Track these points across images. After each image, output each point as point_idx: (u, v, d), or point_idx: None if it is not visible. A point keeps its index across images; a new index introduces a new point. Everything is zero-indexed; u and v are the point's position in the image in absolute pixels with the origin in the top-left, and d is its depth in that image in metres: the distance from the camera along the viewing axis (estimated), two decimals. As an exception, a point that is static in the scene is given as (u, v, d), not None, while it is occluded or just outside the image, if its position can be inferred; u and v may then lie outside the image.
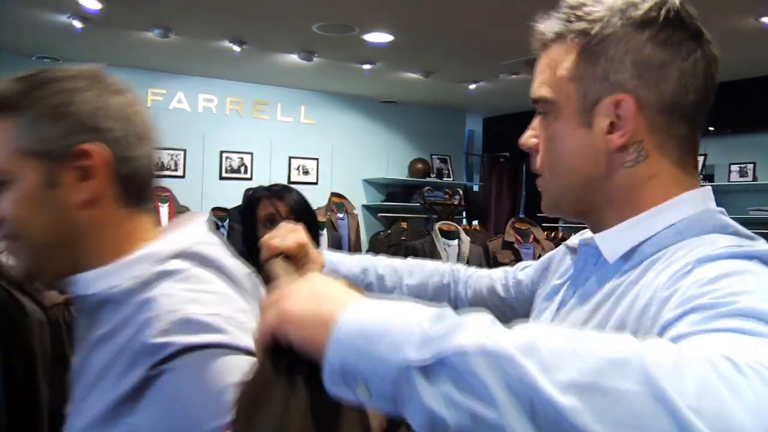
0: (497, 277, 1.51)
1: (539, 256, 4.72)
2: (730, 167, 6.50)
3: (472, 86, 7.00)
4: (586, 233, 1.13)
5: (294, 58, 6.03)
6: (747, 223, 5.23)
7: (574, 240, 1.17)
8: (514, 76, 6.57)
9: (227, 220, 6.12)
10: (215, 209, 6.31)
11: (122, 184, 1.01)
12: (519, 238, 6.15)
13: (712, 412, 0.55)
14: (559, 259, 1.29)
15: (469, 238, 5.28)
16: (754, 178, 6.34)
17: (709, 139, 6.82)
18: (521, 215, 7.98)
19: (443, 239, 5.24)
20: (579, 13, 1.01)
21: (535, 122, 1.08)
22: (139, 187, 1.04)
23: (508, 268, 1.52)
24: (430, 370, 0.61)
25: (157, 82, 6.74)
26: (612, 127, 0.98)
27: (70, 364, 1.86)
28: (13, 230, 0.98)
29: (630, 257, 0.99)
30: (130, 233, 1.02)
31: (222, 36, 5.49)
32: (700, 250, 0.87)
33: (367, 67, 6.27)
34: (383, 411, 0.66)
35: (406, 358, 0.62)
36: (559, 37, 1.02)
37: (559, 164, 1.05)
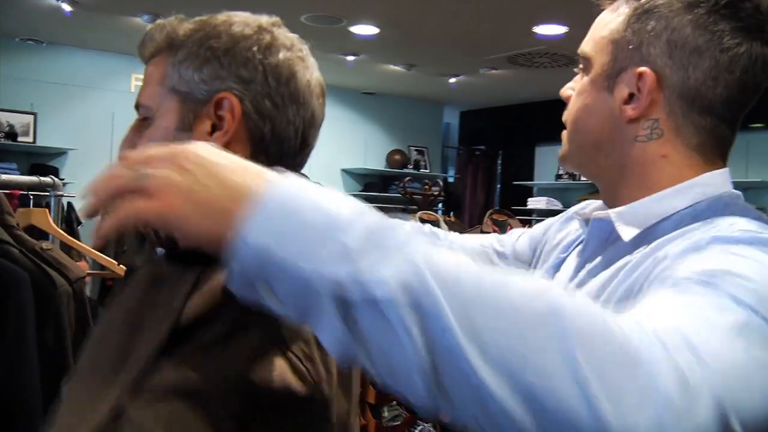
0: (490, 245, 1.47)
1: (515, 247, 4.74)
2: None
3: (452, 80, 7.13)
4: (592, 204, 1.15)
5: (279, 47, 6.10)
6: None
7: (585, 209, 1.16)
8: (493, 71, 6.72)
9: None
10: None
11: (255, 144, 0.93)
12: (497, 228, 6.31)
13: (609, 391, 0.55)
14: (557, 228, 1.31)
15: (448, 228, 5.41)
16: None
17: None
18: (496, 207, 8.15)
19: (424, 228, 5.37)
20: None
21: (577, 77, 1.09)
22: (276, 153, 0.94)
23: (500, 236, 1.49)
24: (347, 294, 0.56)
25: (142, 67, 6.72)
26: (630, 99, 0.99)
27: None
28: None
29: (645, 237, 0.96)
30: None
31: (212, 22, 5.56)
32: (718, 229, 0.86)
33: (351, 58, 6.37)
34: (291, 318, 0.60)
35: (319, 271, 0.56)
36: None
37: (579, 120, 1.06)
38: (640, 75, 0.97)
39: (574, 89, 1.08)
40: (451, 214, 7.63)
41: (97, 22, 5.60)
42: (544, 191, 7.96)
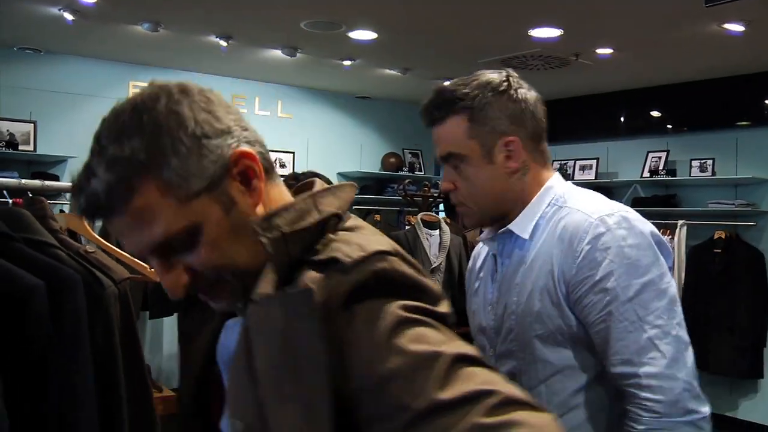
0: None
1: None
2: (691, 163, 6.81)
3: (447, 83, 7.20)
4: (485, 233, 1.74)
5: (277, 53, 6.17)
6: (706, 215, 5.54)
7: (484, 237, 1.75)
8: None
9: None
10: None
11: (265, 168, 1.02)
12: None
13: None
14: (477, 265, 1.84)
15: (449, 229, 5.51)
16: (713, 173, 6.66)
17: (671, 136, 7.16)
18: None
19: (425, 229, 5.47)
20: (458, 95, 1.60)
21: (447, 173, 1.66)
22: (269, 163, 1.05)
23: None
24: None
25: (139, 75, 6.82)
26: (507, 159, 1.61)
27: (136, 332, 2.03)
28: (219, 272, 0.97)
29: (535, 231, 1.62)
30: None
31: (210, 31, 5.61)
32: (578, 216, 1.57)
33: (347, 63, 6.45)
34: None
35: None
36: (448, 114, 1.61)
37: (478, 193, 1.63)
38: (507, 142, 1.60)
39: (452, 181, 1.65)
40: (443, 215, 7.72)
41: (97, 30, 5.63)
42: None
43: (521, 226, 1.62)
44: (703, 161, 6.73)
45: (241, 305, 1.00)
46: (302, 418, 0.84)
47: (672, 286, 1.55)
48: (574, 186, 1.69)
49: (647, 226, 1.57)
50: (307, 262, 0.93)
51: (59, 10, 5.04)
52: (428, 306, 0.89)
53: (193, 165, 0.92)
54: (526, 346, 1.60)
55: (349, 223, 1.02)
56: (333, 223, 1.00)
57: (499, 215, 1.65)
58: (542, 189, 1.64)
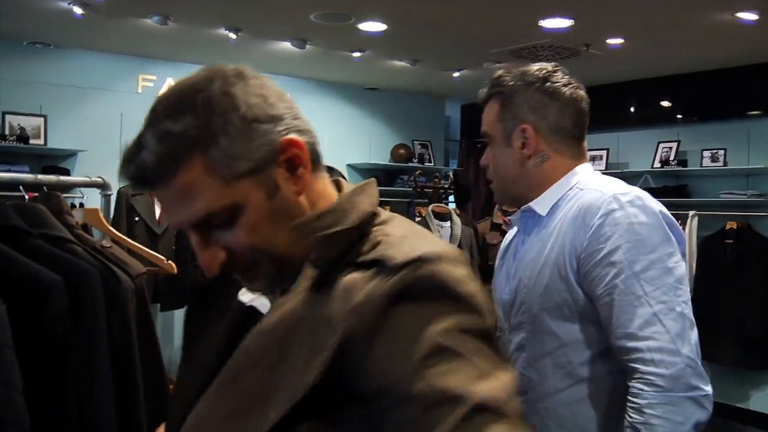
0: None
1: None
2: (702, 153, 6.78)
3: (456, 74, 7.20)
4: (517, 213, 1.83)
5: (287, 45, 6.16)
6: (717, 205, 5.50)
7: (513, 217, 1.86)
8: (497, 65, 6.79)
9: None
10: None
11: (312, 160, 1.03)
12: (507, 220, 6.41)
13: None
14: (505, 244, 1.94)
15: (460, 220, 5.50)
16: (725, 164, 6.62)
17: (682, 126, 7.12)
18: (499, 199, 8.24)
19: (436, 221, 5.46)
20: (496, 83, 1.76)
21: (486, 151, 1.80)
22: (318, 157, 1.06)
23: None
24: None
25: (148, 68, 6.82)
26: (523, 145, 1.71)
27: (153, 326, 2.04)
28: (255, 255, 0.99)
29: (554, 210, 1.70)
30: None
31: (220, 23, 5.60)
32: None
33: (357, 55, 6.44)
34: None
35: None
36: (489, 97, 1.78)
37: (497, 173, 1.78)
38: (523, 129, 1.71)
39: (487, 158, 1.80)
40: (452, 206, 7.71)
41: (106, 24, 5.63)
42: (547, 182, 7.99)
43: (540, 204, 1.72)
44: (714, 151, 6.70)
45: (273, 293, 1.03)
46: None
47: (681, 266, 1.58)
48: (600, 174, 1.76)
49: (659, 207, 1.63)
50: (352, 262, 0.95)
51: (68, 4, 5.04)
52: (471, 324, 0.90)
53: (241, 147, 0.94)
54: (534, 319, 1.66)
55: (382, 217, 1.04)
56: (370, 221, 1.01)
57: (515, 196, 1.79)
58: (567, 175, 1.73)
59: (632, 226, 1.56)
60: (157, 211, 6.04)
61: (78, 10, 5.10)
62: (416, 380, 0.84)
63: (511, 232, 1.93)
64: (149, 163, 0.93)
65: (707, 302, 6.28)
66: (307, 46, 6.13)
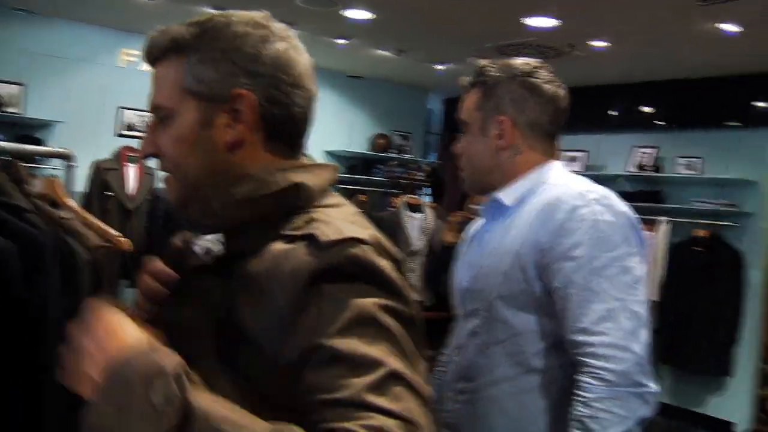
0: None
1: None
2: (678, 160, 6.83)
3: (440, 67, 7.21)
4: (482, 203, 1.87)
5: (271, 28, 6.12)
6: (689, 213, 5.55)
7: (480, 207, 1.89)
8: (476, 59, 6.79)
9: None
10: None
11: (269, 129, 1.06)
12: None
13: None
14: (470, 233, 1.95)
15: (434, 213, 5.52)
16: (701, 172, 6.68)
17: (660, 132, 7.17)
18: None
19: (408, 212, 5.47)
20: (481, 72, 1.77)
21: (461, 139, 1.82)
22: (288, 134, 1.08)
23: None
24: None
25: (132, 42, 6.76)
26: (498, 136, 1.74)
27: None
28: (169, 164, 1.07)
29: (519, 201, 1.72)
30: None
31: (205, 2, 5.56)
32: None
33: (342, 42, 6.42)
34: None
35: None
36: (472, 86, 1.79)
37: (469, 161, 1.80)
38: (501, 120, 1.74)
39: (461, 146, 1.82)
40: (428, 199, 7.73)
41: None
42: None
43: (507, 194, 1.75)
44: (690, 159, 6.76)
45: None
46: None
47: (640, 268, 1.61)
48: (571, 173, 1.79)
49: (625, 208, 1.66)
50: (283, 235, 1.00)
51: (53, -28, 4.99)
52: (397, 307, 0.95)
53: (205, 72, 1.04)
54: (490, 306, 1.68)
55: (330, 201, 1.08)
56: (308, 197, 1.05)
57: (485, 187, 1.81)
58: (537, 169, 1.76)
59: (596, 224, 1.59)
60: (131, 187, 6.01)
61: (62, -21, 5.05)
62: (340, 342, 0.89)
63: (478, 223, 1.95)
64: (154, 47, 1.09)
65: (674, 308, 6.36)
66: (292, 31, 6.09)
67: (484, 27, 5.69)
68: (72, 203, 2.31)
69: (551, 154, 1.80)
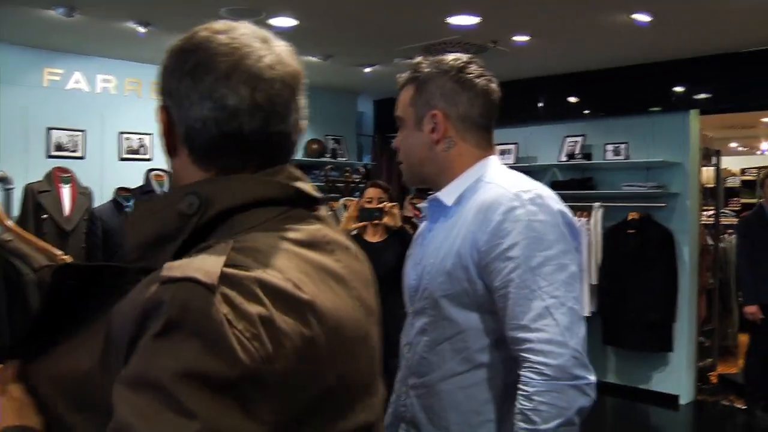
0: None
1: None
2: (605, 147, 7.04)
3: (368, 69, 7.28)
4: (425, 202, 1.91)
5: (197, 39, 6.11)
6: (620, 197, 5.77)
7: (422, 204, 1.96)
8: (408, 61, 6.88)
9: (132, 200, 6.17)
10: (119, 189, 6.33)
11: (187, 142, 1.02)
12: (417, 212, 6.52)
13: None
14: (417, 233, 1.99)
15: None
16: (627, 157, 6.90)
17: (588, 121, 7.37)
18: (411, 191, 8.36)
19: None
20: (414, 69, 1.84)
21: (397, 135, 1.88)
22: (202, 146, 1.01)
23: None
24: None
25: (54, 61, 6.65)
26: (432, 130, 1.79)
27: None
28: None
29: (459, 200, 1.78)
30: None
31: (128, 17, 5.52)
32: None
33: (268, 49, 6.42)
34: None
35: None
36: (407, 83, 1.85)
37: (406, 155, 1.86)
38: (434, 115, 1.79)
39: (398, 142, 1.87)
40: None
41: (9, 15, 5.47)
42: (459, 176, 8.11)
43: (446, 194, 1.81)
44: (617, 145, 6.97)
45: None
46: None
47: (574, 264, 1.68)
48: (506, 168, 1.85)
49: (559, 206, 1.71)
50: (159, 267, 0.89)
51: (-31, -6, 4.89)
52: (210, 371, 0.79)
53: (169, 83, 1.03)
54: (436, 304, 1.74)
55: (256, 221, 0.97)
56: (214, 217, 0.96)
57: (422, 179, 1.90)
58: (474, 166, 1.81)
59: (531, 224, 1.64)
60: (66, 208, 5.92)
61: (-21, 2, 4.95)
62: (118, 402, 0.81)
63: (423, 223, 1.99)
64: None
65: (612, 290, 6.56)
66: (218, 41, 6.08)
67: (408, 28, 5.77)
68: (12, 224, 2.31)
69: (486, 146, 1.85)
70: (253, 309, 0.83)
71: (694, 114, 6.72)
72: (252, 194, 0.98)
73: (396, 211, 4.59)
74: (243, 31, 1.04)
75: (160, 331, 0.80)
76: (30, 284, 1.94)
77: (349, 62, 6.96)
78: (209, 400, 0.78)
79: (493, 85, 1.84)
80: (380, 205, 4.53)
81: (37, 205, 5.76)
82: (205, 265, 0.84)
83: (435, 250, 1.77)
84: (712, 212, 7.65)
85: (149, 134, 7.23)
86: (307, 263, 0.95)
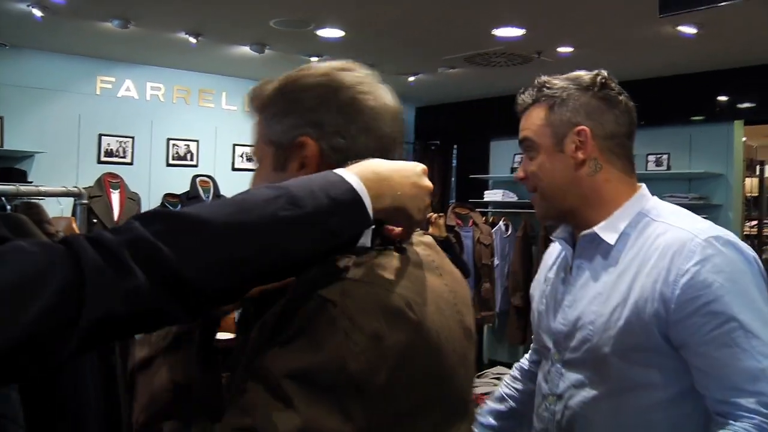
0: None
1: (478, 239, 5.43)
2: (647, 157, 7.04)
3: (412, 78, 7.36)
4: (559, 230, 1.74)
5: (245, 49, 6.26)
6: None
7: (558, 234, 1.75)
8: (451, 70, 6.97)
9: (179, 206, 6.30)
10: (167, 195, 6.49)
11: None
12: (459, 222, 6.59)
13: None
14: (548, 264, 1.84)
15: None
16: (668, 168, 6.89)
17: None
18: (452, 201, 8.42)
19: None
20: (543, 86, 1.65)
21: (523, 163, 1.69)
22: None
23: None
24: None
25: (107, 70, 6.83)
26: (576, 149, 1.59)
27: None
28: None
29: (623, 239, 1.58)
30: None
31: (180, 28, 5.67)
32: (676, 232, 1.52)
33: (315, 59, 6.54)
34: None
35: None
36: (535, 101, 1.66)
37: (545, 182, 1.64)
38: (579, 131, 1.59)
39: (525, 170, 1.67)
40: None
41: (66, 26, 5.64)
42: (500, 184, 8.19)
43: (605, 229, 1.60)
44: (658, 156, 6.96)
45: None
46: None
47: None
48: (661, 200, 1.66)
49: (753, 253, 1.54)
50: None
51: (28, 6, 5.02)
52: (318, 374, 0.91)
53: (277, 124, 1.12)
54: (602, 361, 1.55)
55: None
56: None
57: (564, 209, 1.66)
58: (633, 197, 1.62)
59: (734, 275, 1.45)
60: (116, 214, 6.08)
61: (38, 13, 5.08)
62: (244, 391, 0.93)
63: (553, 254, 1.83)
64: (255, 97, 1.17)
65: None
66: (266, 51, 6.23)
67: (452, 38, 5.84)
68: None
69: (631, 172, 1.66)
70: (368, 325, 0.93)
71: (738, 124, 6.69)
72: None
73: (442, 221, 4.65)
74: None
75: (287, 339, 0.93)
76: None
77: (394, 71, 7.04)
78: (313, 401, 0.89)
79: (632, 104, 1.67)
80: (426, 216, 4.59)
81: (88, 210, 5.91)
82: (332, 280, 0.96)
83: (598, 296, 1.58)
84: (755, 223, 7.61)
85: (195, 141, 7.39)
86: (421, 284, 1.03)
